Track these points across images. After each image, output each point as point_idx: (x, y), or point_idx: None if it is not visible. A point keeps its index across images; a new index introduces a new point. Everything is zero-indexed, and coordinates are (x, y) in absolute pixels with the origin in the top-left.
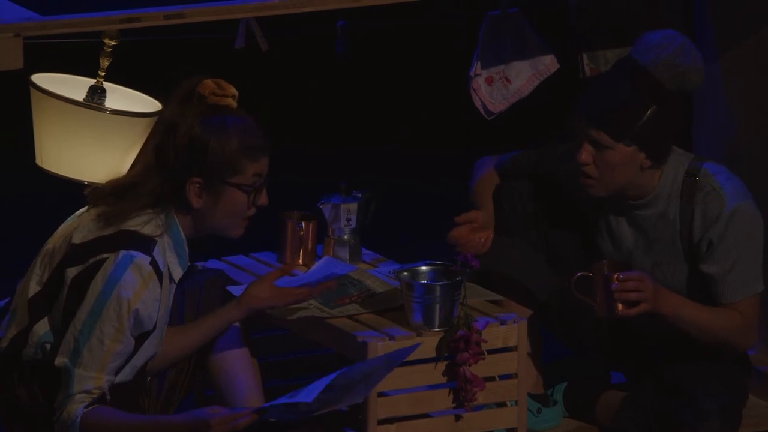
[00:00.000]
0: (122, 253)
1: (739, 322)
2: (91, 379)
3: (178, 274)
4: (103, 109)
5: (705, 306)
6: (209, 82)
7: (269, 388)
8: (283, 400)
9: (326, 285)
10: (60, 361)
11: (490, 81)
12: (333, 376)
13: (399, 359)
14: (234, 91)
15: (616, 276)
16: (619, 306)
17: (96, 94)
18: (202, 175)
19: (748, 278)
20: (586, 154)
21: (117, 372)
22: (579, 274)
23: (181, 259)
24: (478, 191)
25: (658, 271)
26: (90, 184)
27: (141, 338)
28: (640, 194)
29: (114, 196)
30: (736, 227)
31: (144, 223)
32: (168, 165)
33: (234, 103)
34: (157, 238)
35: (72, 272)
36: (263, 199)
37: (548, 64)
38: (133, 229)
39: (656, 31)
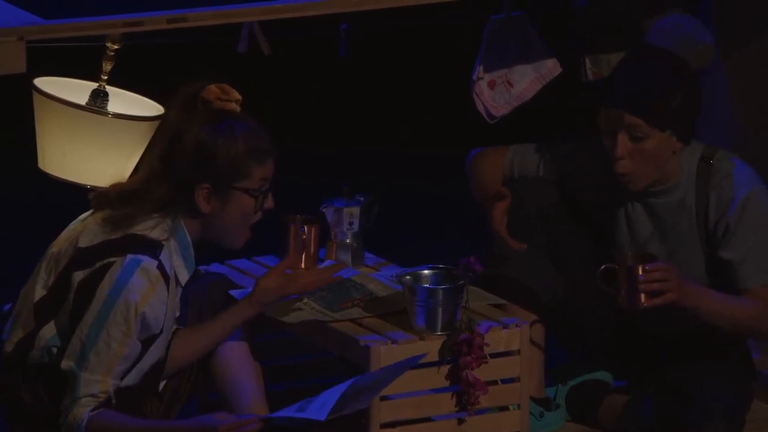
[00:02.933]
0: (129, 257)
1: (761, 309)
2: (97, 383)
3: (184, 277)
4: (106, 113)
5: (727, 295)
6: (213, 87)
7: (272, 392)
8: (292, 413)
9: (334, 268)
10: (66, 364)
11: (492, 84)
12: (342, 388)
13: (405, 367)
14: (238, 95)
15: (641, 266)
16: (643, 297)
17: (98, 97)
18: (211, 180)
19: (766, 263)
20: (622, 147)
21: (123, 376)
22: (604, 266)
23: (187, 262)
24: (482, 170)
25: (674, 259)
26: (92, 188)
27: (147, 342)
28: (663, 182)
29: (119, 202)
30: (752, 211)
31: (151, 228)
32: (176, 171)
33: (238, 108)
34: (164, 242)
35: (79, 276)
36: (269, 203)
37: (551, 67)
38: (140, 233)
39: (667, 15)
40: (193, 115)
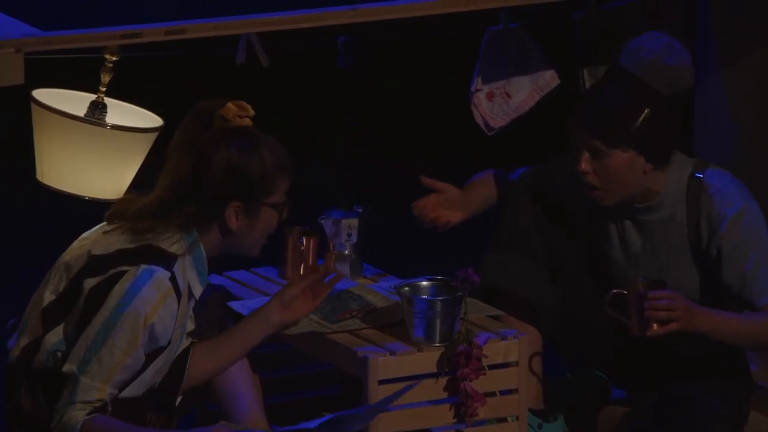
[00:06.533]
0: (143, 267)
1: None
2: (95, 390)
3: (198, 290)
4: (104, 125)
5: (744, 314)
6: (232, 105)
7: (270, 404)
8: (288, 427)
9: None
10: (68, 368)
11: (490, 96)
12: (341, 414)
13: (400, 394)
14: (252, 111)
15: (647, 294)
16: (654, 325)
17: (97, 109)
18: (242, 198)
19: None
20: (585, 163)
21: (122, 387)
22: (614, 291)
23: (200, 276)
24: (473, 182)
25: (666, 274)
26: (91, 200)
27: (153, 354)
28: (647, 198)
29: (139, 218)
30: (745, 228)
31: (170, 242)
32: (207, 192)
33: (251, 122)
34: (179, 256)
35: (90, 283)
36: (286, 215)
37: (549, 79)
38: (155, 244)
39: (641, 34)
40: (215, 134)
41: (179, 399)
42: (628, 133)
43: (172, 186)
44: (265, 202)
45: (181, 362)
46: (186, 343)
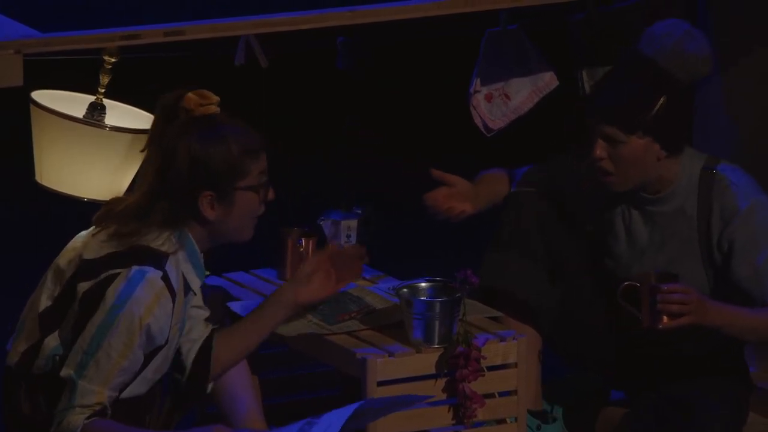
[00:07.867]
0: (135, 268)
1: None
2: (93, 394)
3: (196, 284)
4: (103, 126)
5: (755, 309)
6: (192, 95)
7: (269, 405)
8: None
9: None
10: (66, 372)
11: (489, 98)
12: (348, 413)
13: (409, 403)
14: (216, 97)
15: (660, 287)
16: (663, 318)
17: (96, 110)
18: (212, 187)
19: None
20: (600, 149)
21: (122, 389)
22: (626, 283)
23: (196, 269)
24: (482, 177)
25: (673, 267)
26: (90, 201)
27: (152, 354)
28: (659, 188)
29: (124, 219)
30: (758, 221)
31: (159, 242)
32: (175, 187)
33: (218, 109)
34: (170, 254)
35: (84, 287)
36: (271, 195)
37: (548, 80)
38: (146, 244)
39: (661, 21)
40: (178, 127)
41: (210, 386)
42: (645, 120)
43: (144, 186)
44: (238, 186)
45: (206, 351)
46: (207, 330)
